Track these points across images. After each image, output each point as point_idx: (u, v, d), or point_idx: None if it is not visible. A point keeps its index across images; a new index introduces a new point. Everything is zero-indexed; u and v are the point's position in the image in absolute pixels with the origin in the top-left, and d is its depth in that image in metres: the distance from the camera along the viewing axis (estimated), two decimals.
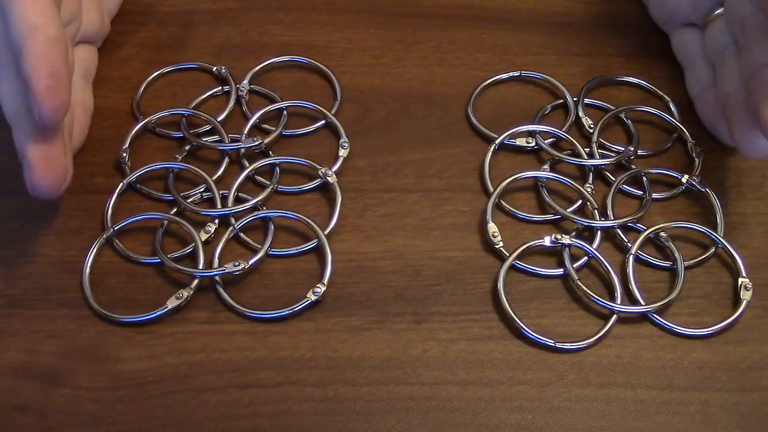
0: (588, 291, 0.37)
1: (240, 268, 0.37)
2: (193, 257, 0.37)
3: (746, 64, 0.36)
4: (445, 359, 0.36)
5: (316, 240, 0.38)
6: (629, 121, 0.43)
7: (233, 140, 0.41)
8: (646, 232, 0.38)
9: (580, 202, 0.40)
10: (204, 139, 0.41)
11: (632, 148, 0.41)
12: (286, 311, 0.36)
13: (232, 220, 0.39)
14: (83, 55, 0.41)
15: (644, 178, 0.40)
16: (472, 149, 0.42)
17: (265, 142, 0.41)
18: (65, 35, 0.34)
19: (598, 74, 0.45)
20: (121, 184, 0.39)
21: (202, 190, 0.40)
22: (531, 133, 0.42)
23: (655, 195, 0.40)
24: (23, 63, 0.32)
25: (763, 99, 0.34)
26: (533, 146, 0.42)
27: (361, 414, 0.34)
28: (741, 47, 0.37)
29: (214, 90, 0.44)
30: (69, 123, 0.37)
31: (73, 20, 0.38)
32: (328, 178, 0.40)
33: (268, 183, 0.40)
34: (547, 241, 0.38)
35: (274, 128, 0.42)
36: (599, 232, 0.39)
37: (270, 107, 0.42)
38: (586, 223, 0.39)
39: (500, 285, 0.37)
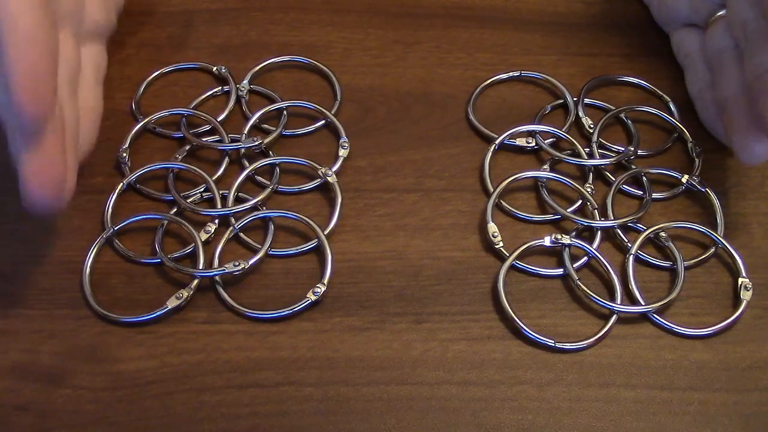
0: (588, 291, 0.37)
1: (240, 268, 0.37)
2: (193, 257, 0.37)
3: (749, 69, 0.36)
4: (445, 359, 0.36)
5: (316, 240, 0.38)
6: (629, 121, 0.43)
7: (233, 140, 0.41)
8: (646, 232, 0.38)
9: (580, 202, 0.40)
10: (204, 139, 0.41)
11: (632, 148, 0.41)
12: (286, 311, 0.36)
13: (232, 220, 0.39)
14: (92, 53, 0.39)
15: (644, 178, 0.40)
16: (472, 149, 0.42)
17: (265, 142, 0.41)
18: (54, 28, 0.31)
19: (598, 74, 0.45)
20: (121, 184, 0.39)
21: (202, 190, 0.40)
22: (531, 133, 0.42)
23: (655, 195, 0.40)
24: (4, 57, 0.29)
25: None
26: (533, 146, 0.42)
27: (361, 414, 0.34)
28: (743, 51, 0.37)
29: (214, 90, 0.44)
30: (74, 126, 0.35)
31: (74, 14, 0.36)
32: (328, 178, 0.40)
33: (268, 183, 0.40)
34: (547, 241, 0.38)
35: (274, 128, 0.42)
36: (599, 232, 0.39)
37: (270, 107, 0.42)
38: (586, 223, 0.39)
39: (500, 285, 0.37)
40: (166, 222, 0.38)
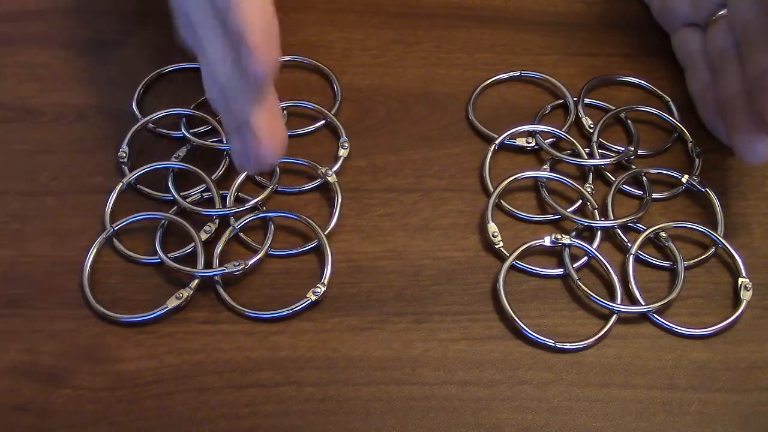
0: (588, 291, 0.37)
1: (240, 268, 0.37)
2: (193, 257, 0.37)
3: (750, 69, 0.36)
4: (445, 359, 0.36)
5: (316, 240, 0.38)
6: (629, 121, 0.43)
7: None
8: (646, 232, 0.38)
9: (580, 202, 0.40)
10: (204, 140, 0.41)
11: (632, 148, 0.41)
12: (286, 311, 0.36)
13: (232, 220, 0.39)
14: None
15: (644, 178, 0.40)
16: (472, 149, 0.42)
17: None
18: None
19: (598, 74, 0.45)
20: (121, 184, 0.39)
21: (202, 190, 0.40)
22: (531, 133, 0.42)
23: (655, 195, 0.40)
24: (234, 17, 0.30)
25: None
26: (533, 146, 0.42)
27: (361, 414, 0.34)
28: (744, 51, 0.37)
29: None
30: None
31: None
32: (328, 178, 0.40)
33: (268, 183, 0.40)
34: (547, 241, 0.38)
35: None
36: (599, 232, 0.39)
37: None
38: (586, 223, 0.39)
39: (500, 285, 0.37)
40: (166, 222, 0.38)
